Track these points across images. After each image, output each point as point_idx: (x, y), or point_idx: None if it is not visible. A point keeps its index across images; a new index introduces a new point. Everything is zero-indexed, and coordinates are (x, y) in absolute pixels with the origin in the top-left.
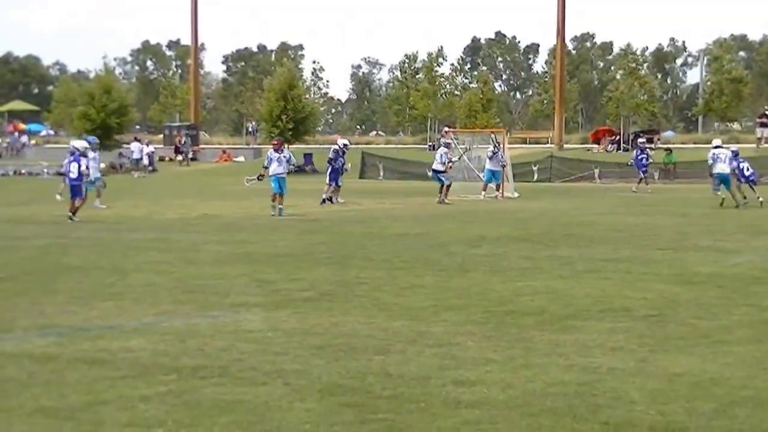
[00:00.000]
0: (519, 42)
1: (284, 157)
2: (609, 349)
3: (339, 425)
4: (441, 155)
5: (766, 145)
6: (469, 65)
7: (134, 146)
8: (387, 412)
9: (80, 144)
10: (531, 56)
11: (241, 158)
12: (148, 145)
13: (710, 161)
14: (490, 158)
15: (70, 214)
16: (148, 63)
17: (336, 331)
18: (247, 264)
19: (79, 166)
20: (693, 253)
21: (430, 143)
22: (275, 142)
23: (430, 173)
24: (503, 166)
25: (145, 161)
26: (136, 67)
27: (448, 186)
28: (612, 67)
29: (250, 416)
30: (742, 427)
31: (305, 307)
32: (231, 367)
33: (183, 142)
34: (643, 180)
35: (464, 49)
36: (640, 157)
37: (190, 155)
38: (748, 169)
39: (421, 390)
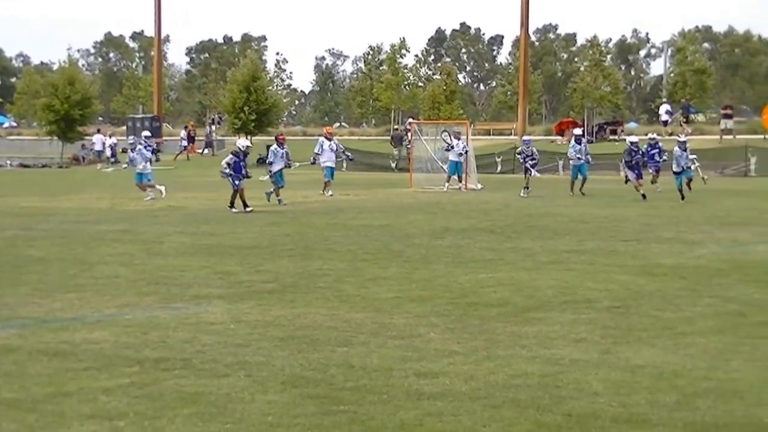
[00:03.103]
0: (483, 33)
1: (285, 152)
2: (572, 340)
3: (301, 417)
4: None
5: (729, 137)
6: (433, 56)
7: (97, 138)
8: (349, 404)
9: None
10: (495, 48)
11: (205, 150)
12: (110, 137)
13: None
14: (450, 150)
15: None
16: (111, 55)
17: (299, 323)
18: (210, 256)
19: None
20: (657, 245)
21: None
22: (281, 138)
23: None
24: (459, 154)
25: (108, 153)
26: (100, 59)
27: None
28: (576, 59)
29: (212, 408)
30: (704, 418)
31: (268, 299)
32: (193, 359)
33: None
34: (655, 177)
35: (428, 40)
36: (651, 153)
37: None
38: (659, 155)
39: (384, 382)
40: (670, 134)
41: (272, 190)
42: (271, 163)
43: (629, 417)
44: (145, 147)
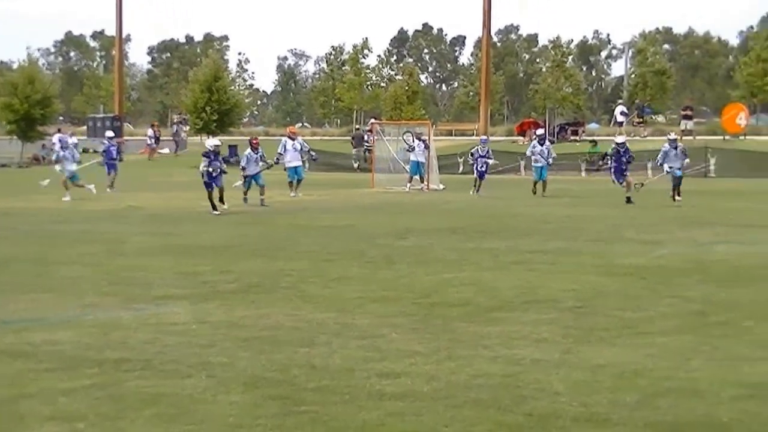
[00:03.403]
0: (446, 34)
1: (260, 155)
2: (534, 340)
3: (263, 418)
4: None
5: (689, 138)
6: (395, 57)
7: (57, 138)
8: (312, 404)
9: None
10: (457, 48)
11: (166, 150)
12: (71, 137)
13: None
14: (412, 151)
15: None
16: (72, 54)
17: (262, 324)
18: (172, 256)
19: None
20: (619, 245)
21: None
22: (255, 142)
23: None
24: (410, 149)
25: None
26: (60, 58)
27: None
28: (537, 60)
29: (174, 409)
30: (665, 417)
31: (231, 299)
32: (155, 360)
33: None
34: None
35: (391, 40)
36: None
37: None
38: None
39: (346, 382)
40: (631, 135)
41: (244, 191)
42: (243, 168)
43: (590, 416)
44: (111, 146)
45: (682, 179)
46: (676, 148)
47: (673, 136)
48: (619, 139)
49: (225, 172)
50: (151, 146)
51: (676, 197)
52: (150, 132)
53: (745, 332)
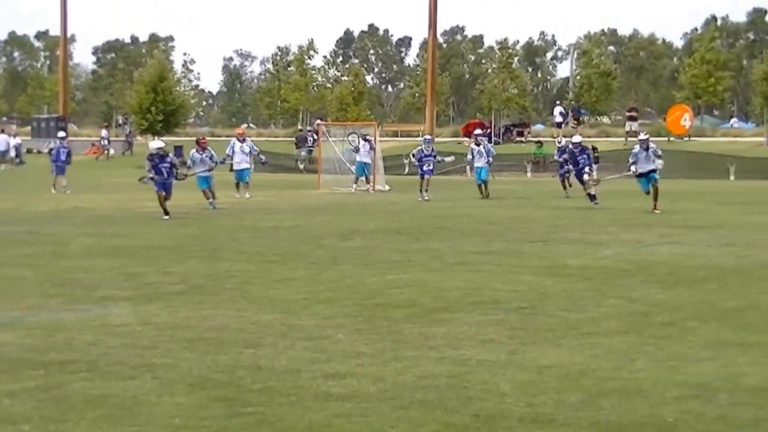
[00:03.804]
0: (391, 35)
1: (207, 156)
2: (479, 341)
3: (209, 419)
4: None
5: (634, 139)
6: (341, 58)
7: (0, 138)
8: (257, 406)
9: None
10: (403, 49)
11: (111, 150)
12: (15, 137)
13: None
14: (358, 151)
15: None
16: (16, 54)
17: (206, 325)
18: (117, 257)
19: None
20: (563, 246)
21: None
22: (202, 141)
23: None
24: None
25: (12, 153)
26: (4, 58)
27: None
28: (483, 61)
29: (119, 411)
30: (609, 417)
31: (176, 300)
32: (99, 362)
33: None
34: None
35: (337, 41)
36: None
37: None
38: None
39: (292, 383)
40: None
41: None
42: (189, 167)
43: (536, 417)
44: (61, 147)
45: (657, 182)
46: (647, 149)
47: (643, 135)
48: (576, 139)
49: (176, 176)
50: (105, 147)
51: (656, 207)
52: (104, 133)
53: (688, 333)
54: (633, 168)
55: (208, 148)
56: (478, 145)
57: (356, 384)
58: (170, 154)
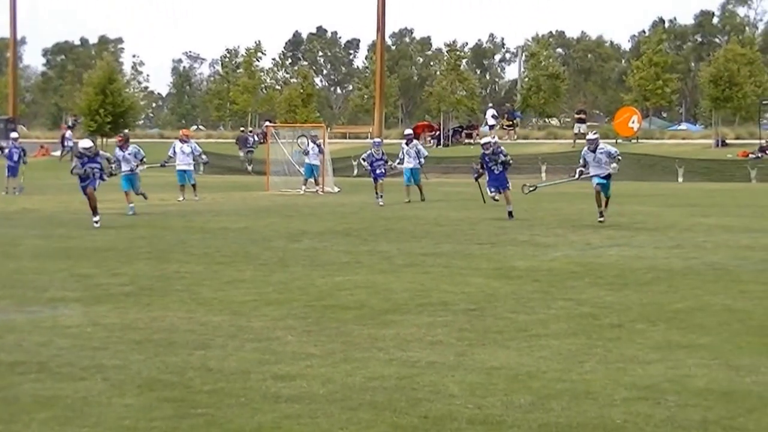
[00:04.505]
0: (340, 37)
1: (130, 154)
2: (428, 343)
3: (158, 420)
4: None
5: (582, 141)
6: (290, 60)
7: None
8: (207, 407)
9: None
10: (352, 51)
11: (59, 152)
12: None
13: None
14: (307, 153)
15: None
16: None
17: (156, 326)
18: (66, 259)
19: None
20: (511, 248)
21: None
22: (120, 139)
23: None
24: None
25: None
26: None
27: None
28: (432, 63)
29: (69, 412)
30: (558, 419)
31: (125, 302)
32: (49, 363)
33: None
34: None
35: (286, 43)
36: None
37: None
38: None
39: (242, 384)
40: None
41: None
42: (119, 166)
43: (485, 418)
44: (13, 148)
45: (609, 188)
46: (594, 150)
47: (592, 135)
48: (484, 140)
49: (103, 178)
50: (69, 148)
51: (602, 215)
52: (68, 134)
53: (636, 334)
54: (579, 171)
55: (132, 145)
56: (408, 144)
57: (305, 385)
58: (100, 152)
